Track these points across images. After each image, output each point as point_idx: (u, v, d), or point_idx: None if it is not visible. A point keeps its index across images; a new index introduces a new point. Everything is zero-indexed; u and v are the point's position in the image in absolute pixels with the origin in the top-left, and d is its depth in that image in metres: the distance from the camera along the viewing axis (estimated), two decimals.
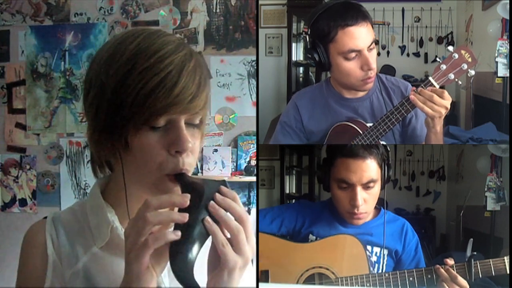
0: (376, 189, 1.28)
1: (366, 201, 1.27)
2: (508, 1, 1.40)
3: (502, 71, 1.41)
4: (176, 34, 3.39)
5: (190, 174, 0.82)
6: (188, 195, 0.74)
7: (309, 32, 1.29)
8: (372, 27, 1.26)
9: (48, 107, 3.49)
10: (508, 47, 1.39)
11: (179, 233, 0.72)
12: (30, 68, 3.50)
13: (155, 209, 0.73)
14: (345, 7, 1.24)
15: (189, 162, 0.81)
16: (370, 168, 1.26)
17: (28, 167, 3.51)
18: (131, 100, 0.77)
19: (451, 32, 1.79)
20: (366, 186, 1.26)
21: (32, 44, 3.50)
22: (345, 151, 1.26)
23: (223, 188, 0.77)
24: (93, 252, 0.87)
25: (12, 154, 3.53)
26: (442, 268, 1.21)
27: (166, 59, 0.78)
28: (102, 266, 0.86)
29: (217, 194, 0.75)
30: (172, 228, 0.73)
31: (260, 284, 1.25)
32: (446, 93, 1.18)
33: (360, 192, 1.25)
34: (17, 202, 3.51)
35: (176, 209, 0.76)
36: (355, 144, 1.27)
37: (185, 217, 0.72)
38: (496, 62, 1.41)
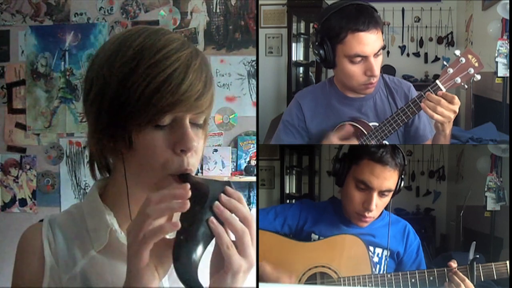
0: (388, 198, 1.30)
1: (377, 207, 1.28)
2: (508, 1, 1.40)
3: (502, 71, 1.41)
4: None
5: (193, 174, 0.81)
6: (188, 185, 0.73)
7: (319, 29, 1.29)
8: (382, 33, 1.27)
9: (48, 107, 3.49)
10: (508, 47, 1.39)
11: (178, 223, 0.70)
12: (30, 68, 3.50)
13: (156, 204, 0.71)
14: (358, 11, 1.24)
15: (193, 163, 0.80)
16: (392, 178, 1.28)
17: (28, 167, 3.51)
18: (136, 98, 0.75)
19: (451, 32, 1.79)
20: (382, 194, 1.27)
21: (32, 44, 3.50)
22: (374, 155, 1.27)
23: (228, 188, 0.75)
24: (91, 256, 0.85)
25: (12, 154, 3.53)
26: (452, 272, 1.21)
27: (172, 56, 0.76)
28: (100, 270, 0.84)
29: (222, 194, 0.74)
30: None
31: (260, 284, 1.25)
32: (456, 99, 1.19)
33: (376, 198, 1.26)
34: (17, 202, 3.51)
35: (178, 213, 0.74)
36: (383, 151, 1.27)
37: (185, 204, 0.71)
38: (496, 62, 1.41)
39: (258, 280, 1.25)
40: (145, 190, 0.81)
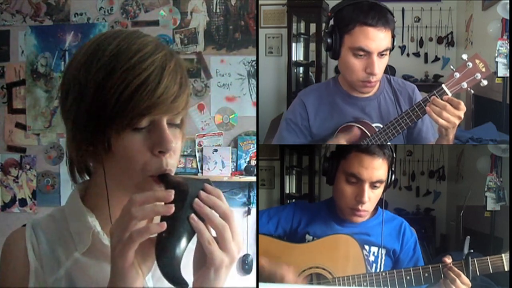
0: (380, 190, 1.29)
1: (370, 200, 1.28)
2: (508, 1, 1.40)
3: (502, 71, 1.41)
4: (176, 34, 3.39)
5: (173, 174, 0.82)
6: (172, 191, 0.74)
7: (331, 17, 1.31)
8: (393, 35, 1.27)
9: (48, 107, 3.49)
10: (508, 47, 1.39)
11: (164, 224, 0.71)
12: (30, 68, 3.50)
13: (140, 205, 0.72)
14: (371, 7, 1.26)
15: (172, 163, 0.81)
16: (382, 167, 1.28)
17: (28, 167, 3.51)
18: (114, 102, 0.75)
19: (451, 32, 1.79)
20: (373, 185, 1.27)
21: (32, 44, 3.50)
22: (361, 145, 1.28)
23: (207, 186, 0.76)
24: (75, 258, 0.85)
25: (12, 154, 3.52)
26: (447, 267, 1.21)
27: (147, 59, 0.77)
28: (84, 271, 0.85)
29: (201, 191, 0.75)
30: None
31: (260, 284, 1.26)
32: (462, 104, 1.19)
33: (367, 189, 1.26)
34: (17, 202, 3.51)
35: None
36: (368, 144, 1.28)
37: (170, 208, 0.72)
38: (496, 62, 1.41)
39: (258, 280, 1.25)
40: (126, 192, 0.81)
